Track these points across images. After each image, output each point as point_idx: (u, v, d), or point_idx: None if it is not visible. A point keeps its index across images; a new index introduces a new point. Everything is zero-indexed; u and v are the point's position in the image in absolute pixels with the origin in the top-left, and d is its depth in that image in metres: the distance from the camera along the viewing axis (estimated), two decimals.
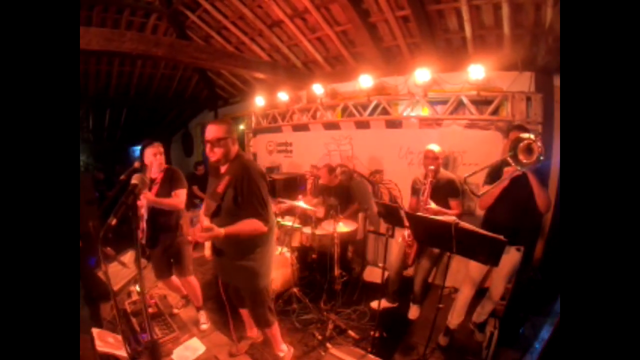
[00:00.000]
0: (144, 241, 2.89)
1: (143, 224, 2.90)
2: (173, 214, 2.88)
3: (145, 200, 2.77)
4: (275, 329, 2.48)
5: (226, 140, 2.05)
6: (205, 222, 2.02)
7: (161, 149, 2.91)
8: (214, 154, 2.07)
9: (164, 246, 2.89)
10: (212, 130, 2.05)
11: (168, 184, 2.86)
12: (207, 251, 2.23)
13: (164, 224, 2.86)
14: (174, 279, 3.13)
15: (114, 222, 1.52)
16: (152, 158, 2.83)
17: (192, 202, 5.46)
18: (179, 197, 2.87)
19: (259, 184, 2.02)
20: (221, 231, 1.87)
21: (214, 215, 2.09)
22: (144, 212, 2.87)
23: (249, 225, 1.97)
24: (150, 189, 2.79)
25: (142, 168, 2.78)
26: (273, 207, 3.61)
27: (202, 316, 3.13)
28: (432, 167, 2.95)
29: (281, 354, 2.56)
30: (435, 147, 3.03)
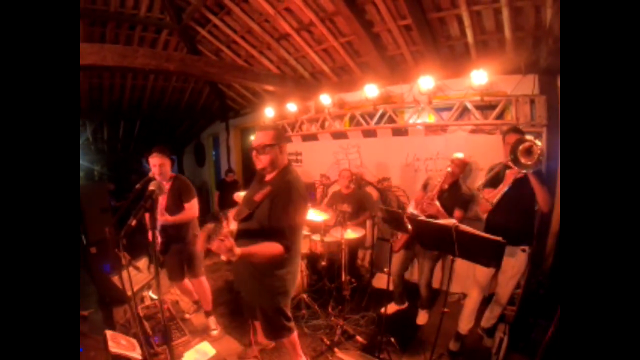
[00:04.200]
0: (158, 248, 2.96)
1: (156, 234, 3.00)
2: (184, 224, 2.96)
3: (161, 220, 2.86)
4: (294, 340, 2.34)
5: (273, 147, 1.94)
6: (232, 225, 1.99)
7: (162, 160, 2.86)
8: (260, 162, 1.98)
9: (175, 252, 2.98)
10: (259, 137, 1.96)
11: (177, 194, 2.91)
12: (224, 256, 2.20)
13: (175, 234, 2.94)
14: (187, 282, 3.21)
15: (133, 222, 1.63)
16: (154, 169, 2.84)
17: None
18: (192, 208, 2.95)
19: (297, 206, 1.90)
20: (237, 251, 1.66)
21: (244, 221, 2.01)
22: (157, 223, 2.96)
23: (268, 249, 1.82)
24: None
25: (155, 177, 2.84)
26: None
27: (212, 322, 3.17)
28: (449, 169, 2.98)
29: None
30: (458, 155, 3.08)
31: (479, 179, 3.06)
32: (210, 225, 1.75)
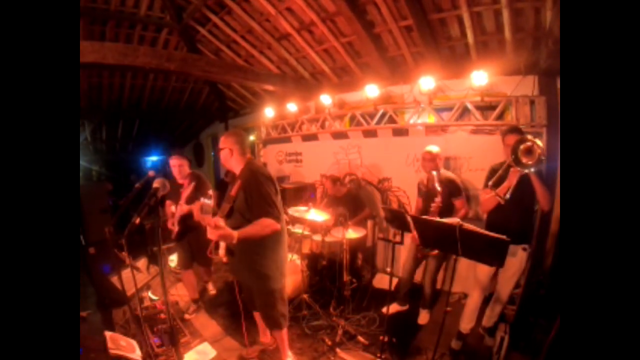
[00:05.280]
0: (174, 236, 3.28)
1: (175, 220, 3.22)
2: None
3: (180, 211, 3.17)
4: (284, 334, 2.52)
5: (224, 150, 2.32)
6: (220, 221, 2.12)
7: (180, 161, 3.27)
8: (221, 159, 2.40)
9: (189, 240, 3.25)
10: (220, 140, 2.38)
11: (195, 189, 3.18)
12: (222, 251, 2.29)
13: (192, 224, 3.17)
14: (192, 273, 3.50)
15: (137, 220, 1.63)
16: (174, 170, 3.26)
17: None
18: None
19: (266, 186, 2.17)
20: (234, 233, 1.97)
21: (228, 216, 2.22)
22: (177, 213, 3.18)
23: (260, 225, 2.07)
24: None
25: (157, 176, 2.92)
26: (285, 216, 3.70)
27: (210, 285, 3.98)
28: (434, 173, 2.92)
29: None
30: (433, 148, 3.07)
31: (480, 179, 3.06)
32: (201, 201, 2.18)
